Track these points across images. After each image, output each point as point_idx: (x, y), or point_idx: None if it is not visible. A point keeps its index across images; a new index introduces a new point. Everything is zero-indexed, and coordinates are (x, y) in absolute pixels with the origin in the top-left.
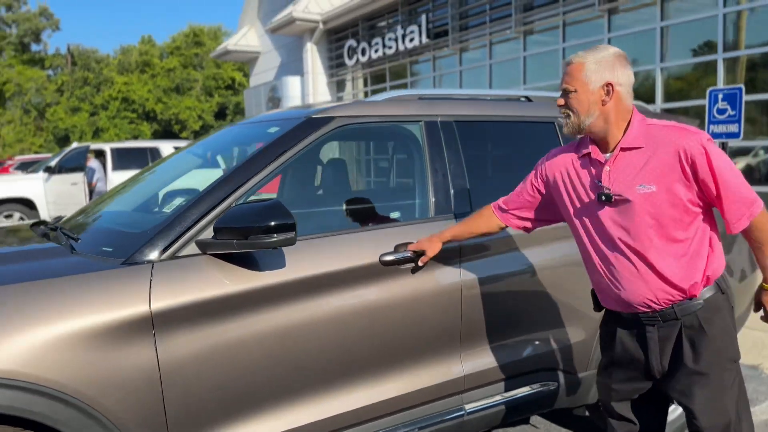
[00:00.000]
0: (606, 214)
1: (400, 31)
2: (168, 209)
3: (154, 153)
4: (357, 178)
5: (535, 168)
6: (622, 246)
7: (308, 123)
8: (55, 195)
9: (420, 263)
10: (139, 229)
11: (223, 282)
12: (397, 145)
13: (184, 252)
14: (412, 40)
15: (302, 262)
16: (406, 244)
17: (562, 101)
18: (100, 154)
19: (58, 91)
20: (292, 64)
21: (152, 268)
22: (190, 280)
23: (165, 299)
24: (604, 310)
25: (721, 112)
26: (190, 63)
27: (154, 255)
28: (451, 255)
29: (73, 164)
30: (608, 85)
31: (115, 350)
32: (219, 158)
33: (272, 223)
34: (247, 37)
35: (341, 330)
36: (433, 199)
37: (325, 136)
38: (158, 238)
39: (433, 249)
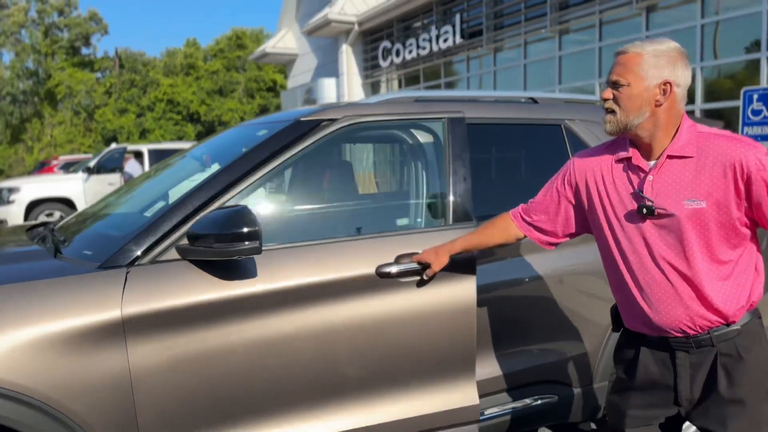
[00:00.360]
0: (646, 228)
1: (434, 32)
2: (149, 213)
3: None
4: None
5: (561, 172)
6: (663, 264)
7: (296, 126)
8: (93, 195)
9: (425, 277)
10: (122, 232)
11: (199, 289)
12: (397, 149)
13: (164, 257)
14: (446, 40)
15: (289, 270)
16: (409, 255)
17: (609, 94)
18: (138, 155)
19: (107, 93)
20: (328, 66)
21: (127, 272)
22: (165, 285)
23: (138, 304)
24: (621, 330)
25: (756, 113)
26: (233, 65)
27: (130, 259)
28: (464, 265)
29: (111, 165)
30: (666, 83)
31: (85, 355)
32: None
33: (239, 231)
34: (285, 40)
35: (331, 345)
36: (448, 202)
37: (321, 140)
38: (135, 243)
39: (439, 262)
